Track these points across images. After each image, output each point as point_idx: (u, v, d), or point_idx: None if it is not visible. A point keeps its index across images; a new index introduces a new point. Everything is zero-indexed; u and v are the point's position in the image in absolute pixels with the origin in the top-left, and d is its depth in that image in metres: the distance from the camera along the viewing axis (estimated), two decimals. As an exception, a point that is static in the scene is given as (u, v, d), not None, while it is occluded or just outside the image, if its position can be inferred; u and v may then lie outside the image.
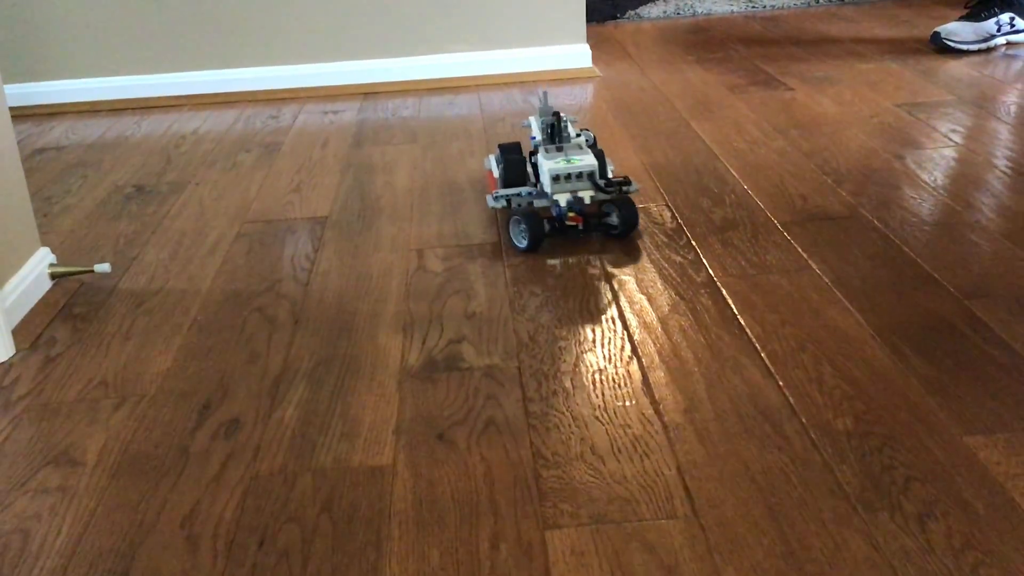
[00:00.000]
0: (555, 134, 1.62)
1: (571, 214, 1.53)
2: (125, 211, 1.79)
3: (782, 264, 1.42)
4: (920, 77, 2.34)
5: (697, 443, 1.03)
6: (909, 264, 1.40)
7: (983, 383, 1.10)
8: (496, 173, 1.70)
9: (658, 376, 1.16)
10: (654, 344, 1.23)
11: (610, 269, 1.44)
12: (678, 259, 1.46)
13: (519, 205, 1.60)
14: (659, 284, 1.39)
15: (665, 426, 1.06)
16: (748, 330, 1.25)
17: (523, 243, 1.51)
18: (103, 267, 1.47)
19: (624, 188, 1.58)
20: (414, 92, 2.50)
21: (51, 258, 1.51)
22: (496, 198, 1.61)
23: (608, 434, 1.06)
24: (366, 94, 2.50)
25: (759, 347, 1.21)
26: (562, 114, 1.65)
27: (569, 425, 1.08)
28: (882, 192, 1.66)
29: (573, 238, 1.55)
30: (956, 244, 1.45)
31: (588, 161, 1.54)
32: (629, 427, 1.07)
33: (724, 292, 1.35)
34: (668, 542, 0.89)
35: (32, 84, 2.51)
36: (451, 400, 1.14)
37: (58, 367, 1.26)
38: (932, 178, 1.71)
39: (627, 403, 1.11)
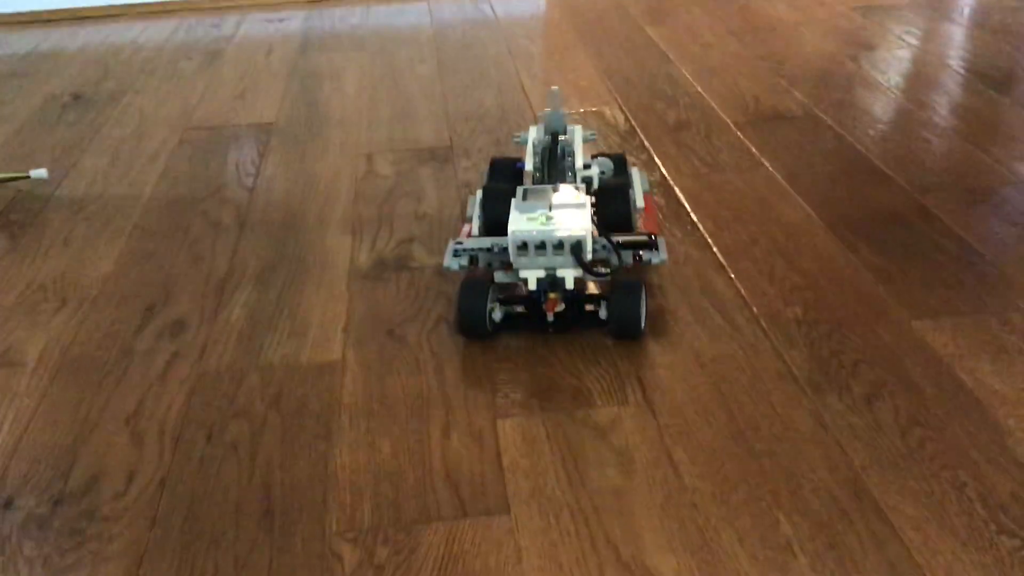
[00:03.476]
0: (551, 164, 1.12)
1: (552, 295, 1.01)
2: (62, 120, 1.73)
3: (735, 163, 1.41)
4: (875, -18, 2.32)
5: (648, 334, 1.02)
6: (862, 161, 1.39)
7: (933, 271, 1.11)
8: (474, 220, 1.11)
9: (610, 271, 1.15)
10: (606, 241, 1.22)
11: (562, 170, 1.42)
12: (631, 160, 1.44)
13: (489, 264, 1.04)
14: (612, 183, 1.37)
15: (617, 318, 1.06)
16: (700, 226, 1.24)
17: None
18: (39, 173, 1.42)
19: (642, 258, 1.02)
20: (361, 2, 2.42)
21: (-16, 166, 1.45)
22: (457, 252, 1.04)
23: (560, 327, 1.05)
24: (311, 3, 2.42)
25: (711, 242, 1.20)
26: (573, 131, 1.15)
27: (521, 319, 1.06)
28: (836, 93, 1.65)
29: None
30: (909, 141, 1.45)
31: (574, 222, 0.97)
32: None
33: (676, 190, 1.34)
34: (619, 427, 0.89)
35: (-39, -6, 2.40)
36: (401, 298, 1.12)
37: (-5, 274, 1.22)
38: (886, 78, 1.70)
39: (579, 297, 1.10)
